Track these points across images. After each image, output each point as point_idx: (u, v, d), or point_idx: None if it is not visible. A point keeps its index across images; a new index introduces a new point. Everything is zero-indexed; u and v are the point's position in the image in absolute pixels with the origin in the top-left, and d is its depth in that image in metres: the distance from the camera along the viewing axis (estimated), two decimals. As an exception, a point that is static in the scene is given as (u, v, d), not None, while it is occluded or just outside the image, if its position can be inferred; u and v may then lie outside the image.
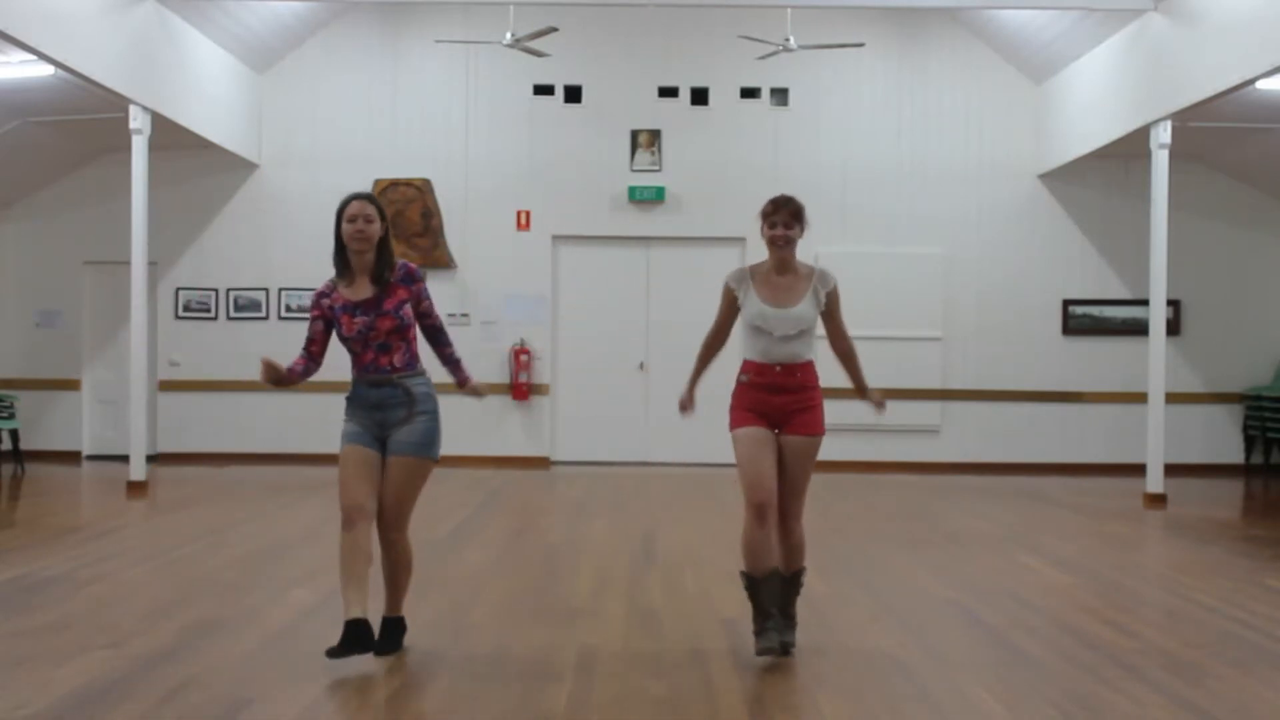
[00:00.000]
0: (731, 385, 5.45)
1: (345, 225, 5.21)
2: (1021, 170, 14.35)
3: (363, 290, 5.23)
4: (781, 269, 5.42)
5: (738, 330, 5.50)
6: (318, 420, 13.74)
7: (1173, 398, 12.37)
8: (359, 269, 5.24)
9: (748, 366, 5.41)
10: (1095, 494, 12.15)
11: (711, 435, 14.65)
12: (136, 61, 11.03)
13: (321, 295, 5.29)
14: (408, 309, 5.23)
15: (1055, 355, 14.33)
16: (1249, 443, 14.31)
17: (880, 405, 5.53)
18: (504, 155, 14.31)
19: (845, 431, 14.58)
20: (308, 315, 5.38)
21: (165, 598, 6.54)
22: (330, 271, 5.30)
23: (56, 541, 8.46)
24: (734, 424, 5.41)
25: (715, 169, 14.37)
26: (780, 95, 14.49)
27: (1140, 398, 11.85)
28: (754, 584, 5.29)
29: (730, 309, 5.48)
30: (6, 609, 6.24)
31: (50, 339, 14.50)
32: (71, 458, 14.28)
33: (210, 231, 14.42)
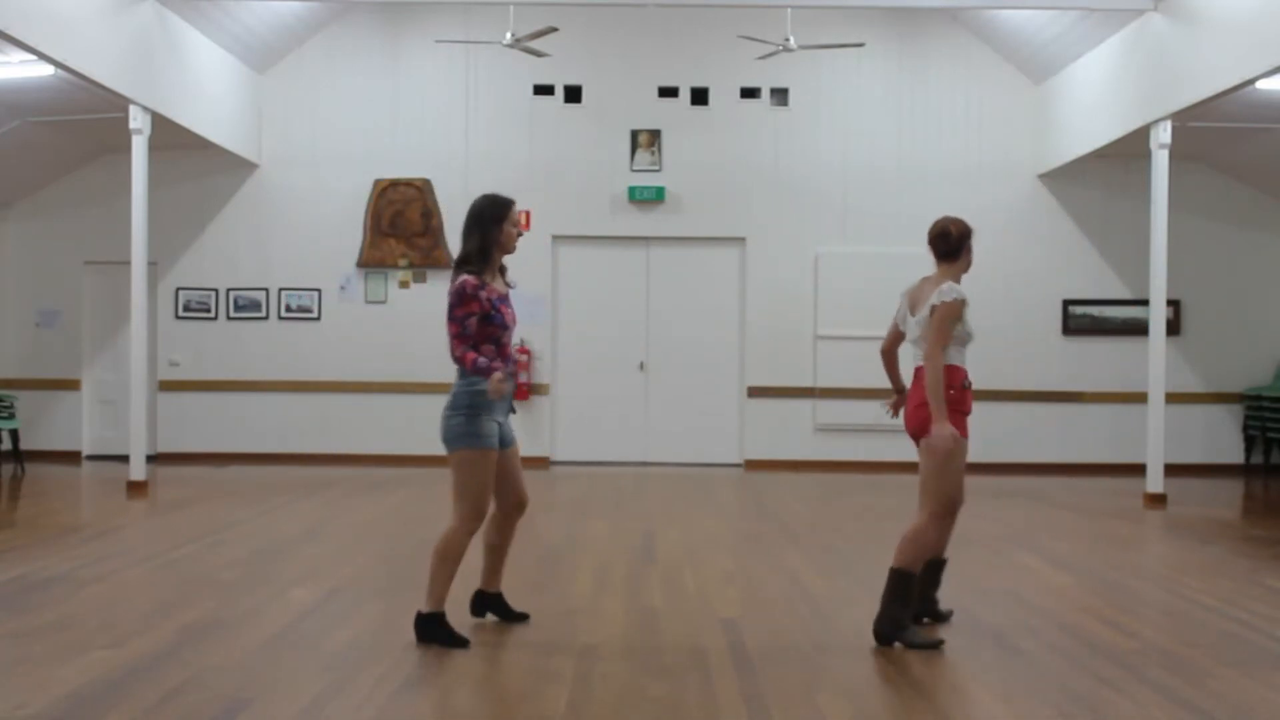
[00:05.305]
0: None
1: (509, 228, 5.50)
2: (1021, 170, 14.34)
3: (499, 286, 5.55)
4: None
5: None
6: (317, 420, 13.59)
7: (1173, 398, 12.36)
8: (493, 268, 5.53)
9: (963, 374, 5.68)
10: (1095, 494, 12.14)
11: (711, 435, 14.83)
12: (136, 61, 11.03)
13: (478, 288, 5.40)
14: None
15: (1055, 355, 14.32)
16: (1249, 443, 14.31)
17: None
18: (504, 155, 14.31)
19: (845, 431, 14.69)
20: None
21: (165, 598, 6.54)
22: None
23: (56, 541, 8.46)
24: (962, 431, 5.62)
25: (715, 169, 14.38)
26: (780, 95, 14.49)
27: (1140, 398, 11.85)
28: (913, 580, 5.60)
29: None
30: (6, 609, 6.24)
31: (50, 339, 14.50)
32: (71, 458, 14.28)
33: (210, 231, 14.42)
